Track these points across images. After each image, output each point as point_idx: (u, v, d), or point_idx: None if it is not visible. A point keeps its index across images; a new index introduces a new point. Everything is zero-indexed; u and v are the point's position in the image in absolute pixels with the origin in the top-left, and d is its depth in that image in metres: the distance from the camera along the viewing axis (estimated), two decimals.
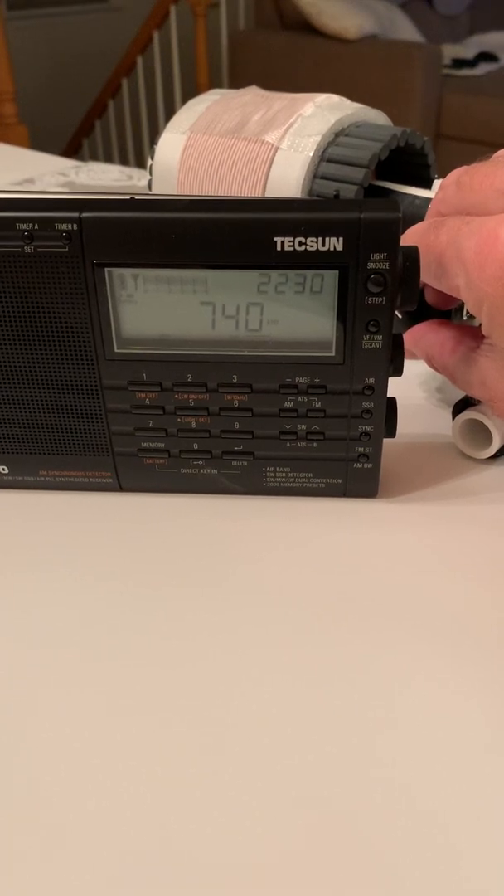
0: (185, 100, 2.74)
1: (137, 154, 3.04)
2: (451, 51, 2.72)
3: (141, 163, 3.03)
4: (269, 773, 0.24)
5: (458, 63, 2.68)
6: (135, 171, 0.84)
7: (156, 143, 0.48)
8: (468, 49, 2.84)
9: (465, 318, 0.41)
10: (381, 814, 0.23)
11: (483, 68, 2.69)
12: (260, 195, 0.43)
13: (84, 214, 0.30)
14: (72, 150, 3.07)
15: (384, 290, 0.31)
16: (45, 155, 0.93)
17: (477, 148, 2.36)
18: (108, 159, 3.06)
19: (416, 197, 0.42)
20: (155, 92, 2.76)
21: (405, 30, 2.65)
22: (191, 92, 2.66)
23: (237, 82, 2.73)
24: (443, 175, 0.46)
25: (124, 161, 3.06)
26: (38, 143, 2.56)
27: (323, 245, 0.30)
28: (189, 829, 0.23)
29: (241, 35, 2.77)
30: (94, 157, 3.07)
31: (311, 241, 0.30)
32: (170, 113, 2.82)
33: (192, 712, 0.26)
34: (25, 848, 0.22)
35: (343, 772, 0.24)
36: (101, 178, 0.81)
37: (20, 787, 0.24)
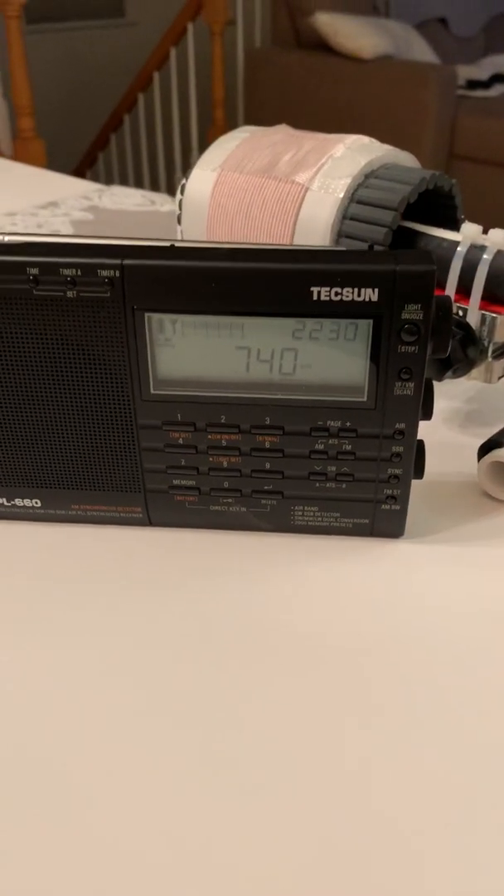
0: (200, 116, 2.77)
1: (151, 169, 3.06)
2: (465, 72, 2.74)
3: (155, 178, 3.05)
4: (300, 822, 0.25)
5: (473, 84, 2.70)
6: (157, 196, 0.85)
7: (186, 178, 0.49)
8: (483, 70, 2.85)
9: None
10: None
11: (497, 89, 2.71)
12: (290, 235, 0.44)
13: (126, 262, 0.31)
14: (87, 163, 3.09)
15: (417, 339, 0.31)
16: (69, 177, 0.94)
17: (491, 169, 2.37)
18: (123, 173, 3.08)
19: (443, 239, 0.43)
20: (171, 107, 2.79)
21: (420, 50, 2.67)
22: (206, 108, 2.69)
23: (253, 100, 2.75)
24: (466, 209, 0.46)
25: (138, 174, 3.08)
26: (55, 156, 2.59)
27: (358, 296, 0.31)
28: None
29: (258, 53, 2.79)
30: (108, 171, 3.09)
31: (347, 292, 0.31)
32: (185, 129, 2.85)
33: (201, 741, 0.27)
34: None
35: (377, 835, 0.25)
36: (124, 202, 0.82)
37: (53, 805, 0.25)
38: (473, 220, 0.43)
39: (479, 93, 2.63)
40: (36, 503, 0.37)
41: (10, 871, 0.23)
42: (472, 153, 2.42)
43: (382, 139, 0.46)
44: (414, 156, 0.46)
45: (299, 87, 2.58)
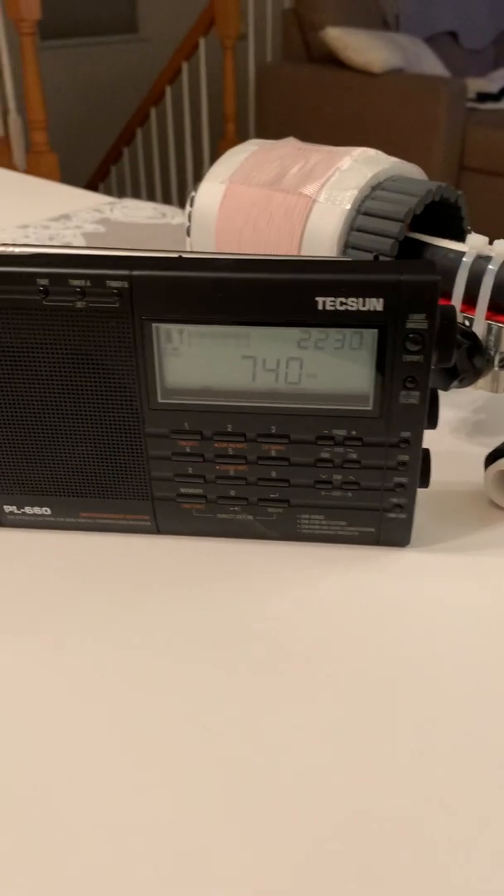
0: (212, 129, 2.80)
1: (164, 182, 3.08)
2: (475, 84, 2.75)
3: (167, 191, 3.08)
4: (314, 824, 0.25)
5: (483, 97, 2.71)
6: (168, 209, 0.86)
7: (195, 191, 0.50)
8: (493, 83, 2.87)
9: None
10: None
11: None
12: (297, 246, 0.44)
13: (135, 273, 0.31)
14: (99, 176, 3.12)
15: (422, 348, 0.32)
16: (80, 190, 0.95)
17: (501, 181, 2.38)
18: (135, 186, 3.11)
19: (449, 250, 0.43)
20: (182, 121, 2.81)
21: (430, 64, 2.68)
22: (218, 122, 2.71)
23: (264, 113, 2.77)
24: (472, 220, 0.47)
25: (150, 188, 3.11)
26: (67, 169, 2.61)
27: (363, 305, 0.31)
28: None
29: (269, 67, 2.82)
30: (120, 184, 3.12)
31: (352, 302, 0.31)
32: (197, 142, 2.87)
33: (213, 751, 0.27)
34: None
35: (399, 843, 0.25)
36: (136, 214, 0.83)
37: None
38: (484, 231, 0.43)
39: (490, 105, 2.64)
40: (45, 511, 0.38)
41: (11, 871, 0.24)
42: (482, 165, 2.43)
43: (393, 152, 0.47)
44: (421, 168, 0.46)
45: (310, 100, 2.60)
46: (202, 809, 0.25)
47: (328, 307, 0.31)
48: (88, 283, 0.32)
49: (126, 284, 0.31)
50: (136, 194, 3.11)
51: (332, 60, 2.54)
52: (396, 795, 0.26)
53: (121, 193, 3.11)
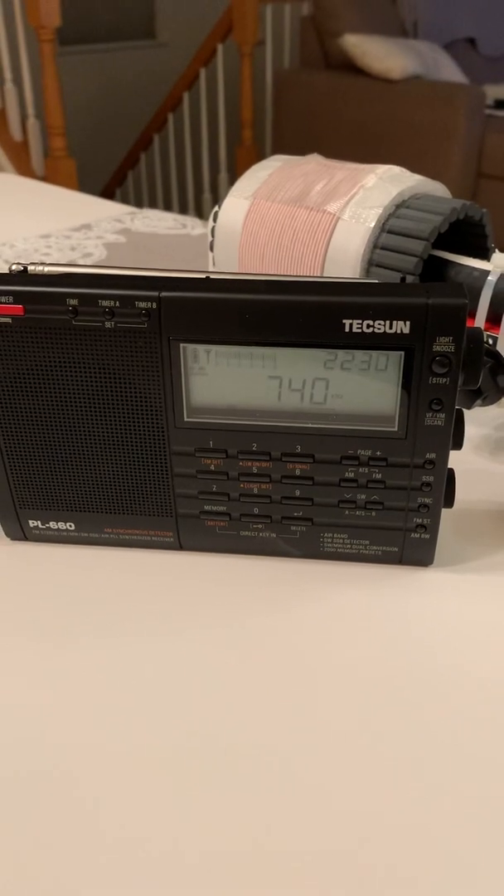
0: (228, 136, 2.80)
1: (180, 187, 3.09)
2: (494, 91, 2.74)
3: (183, 195, 3.09)
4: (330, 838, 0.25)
5: (501, 104, 2.70)
6: (188, 220, 0.86)
7: (219, 206, 0.50)
8: None
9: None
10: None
11: None
12: (320, 264, 0.44)
13: (163, 294, 0.32)
14: (117, 181, 3.13)
15: (449, 371, 0.32)
16: (102, 200, 0.96)
17: None
18: (152, 191, 3.12)
19: (474, 269, 0.43)
20: (200, 127, 2.82)
21: (448, 70, 2.68)
22: (235, 128, 2.72)
23: (281, 120, 2.78)
24: (494, 227, 0.47)
25: (167, 193, 3.12)
26: (85, 174, 2.63)
27: (390, 328, 0.31)
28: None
29: (286, 74, 2.82)
30: (137, 189, 3.13)
31: (379, 324, 0.31)
32: (214, 148, 2.88)
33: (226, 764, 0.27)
34: None
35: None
36: (157, 225, 0.84)
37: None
38: (502, 238, 0.43)
39: None
40: (70, 526, 0.38)
41: (13, 873, 0.24)
42: (500, 172, 2.42)
43: (410, 159, 0.47)
44: (439, 176, 0.46)
45: (327, 107, 2.60)
46: (221, 822, 0.26)
47: (355, 329, 0.31)
48: (117, 304, 0.32)
49: (154, 305, 0.32)
50: (152, 199, 3.12)
51: (350, 67, 2.54)
52: (426, 815, 0.26)
53: (138, 198, 3.12)
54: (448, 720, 0.29)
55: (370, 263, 0.43)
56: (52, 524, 0.38)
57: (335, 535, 0.37)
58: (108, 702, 0.30)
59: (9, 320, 0.33)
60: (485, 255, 0.45)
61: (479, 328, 0.33)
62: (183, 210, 3.06)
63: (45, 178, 2.25)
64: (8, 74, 2.37)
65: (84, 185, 2.40)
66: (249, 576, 0.37)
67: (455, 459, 0.35)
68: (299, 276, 0.34)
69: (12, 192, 1.02)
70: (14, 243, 0.79)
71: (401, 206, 0.44)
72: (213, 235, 0.50)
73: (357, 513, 0.36)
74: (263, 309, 0.31)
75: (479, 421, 0.48)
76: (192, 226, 0.85)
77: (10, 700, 0.30)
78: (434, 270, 0.45)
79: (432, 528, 0.36)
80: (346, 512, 0.36)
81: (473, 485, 0.42)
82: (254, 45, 2.57)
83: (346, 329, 0.31)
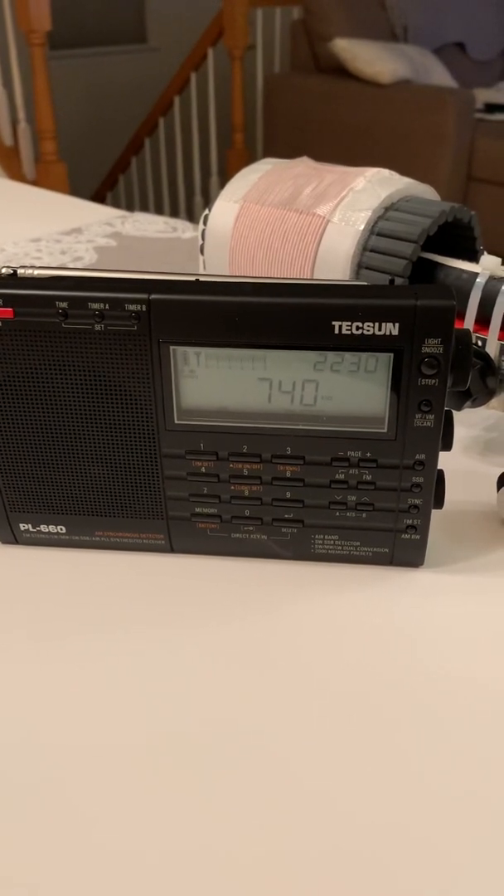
0: (219, 139, 2.81)
1: (171, 192, 3.10)
2: (483, 95, 2.76)
3: (175, 199, 3.09)
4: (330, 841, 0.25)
5: (491, 108, 2.71)
6: (179, 223, 0.86)
7: (209, 209, 0.50)
8: (501, 94, 2.87)
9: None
10: None
11: None
12: (310, 267, 0.45)
13: (153, 296, 0.32)
14: (108, 185, 3.13)
15: (438, 372, 0.32)
16: (92, 203, 0.96)
17: None
18: (143, 195, 3.12)
19: (462, 271, 0.44)
20: (191, 131, 2.83)
21: (438, 75, 2.69)
22: (226, 132, 2.72)
23: (272, 124, 2.78)
24: (484, 231, 0.47)
25: (158, 197, 3.12)
26: (76, 178, 2.63)
27: (379, 330, 0.31)
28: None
29: (277, 78, 2.83)
30: (129, 193, 3.13)
31: (368, 326, 0.31)
32: (205, 152, 2.88)
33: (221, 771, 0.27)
34: None
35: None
36: (147, 229, 0.84)
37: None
38: (491, 241, 0.43)
39: (498, 116, 2.65)
40: (61, 529, 0.38)
41: (13, 877, 0.24)
42: (489, 176, 2.43)
43: (400, 163, 0.47)
44: (429, 180, 0.46)
45: (318, 111, 2.61)
46: (216, 822, 0.26)
47: (344, 331, 0.31)
48: (107, 307, 0.32)
49: (144, 308, 0.32)
50: (144, 203, 3.12)
51: (341, 71, 2.55)
52: (414, 818, 0.26)
53: (129, 202, 3.12)
54: (440, 719, 0.30)
55: (359, 266, 0.44)
56: (43, 527, 0.38)
57: (326, 537, 0.37)
58: (101, 704, 0.30)
59: None
60: (473, 257, 0.45)
61: (467, 330, 0.33)
62: (174, 214, 3.06)
63: (35, 183, 2.25)
64: None
65: (75, 189, 2.40)
66: (241, 578, 0.37)
67: (444, 460, 0.35)
68: (289, 279, 0.34)
69: (3, 197, 1.02)
70: (4, 247, 0.79)
71: (390, 209, 0.44)
72: (203, 239, 0.50)
73: (348, 514, 0.36)
74: (253, 311, 0.32)
75: (468, 422, 0.49)
76: (182, 229, 0.85)
77: (0, 703, 0.30)
78: (423, 273, 0.45)
79: (422, 529, 0.36)
80: (337, 513, 0.36)
81: (463, 486, 0.42)
82: (244, 49, 2.57)
83: (336, 331, 0.32)
